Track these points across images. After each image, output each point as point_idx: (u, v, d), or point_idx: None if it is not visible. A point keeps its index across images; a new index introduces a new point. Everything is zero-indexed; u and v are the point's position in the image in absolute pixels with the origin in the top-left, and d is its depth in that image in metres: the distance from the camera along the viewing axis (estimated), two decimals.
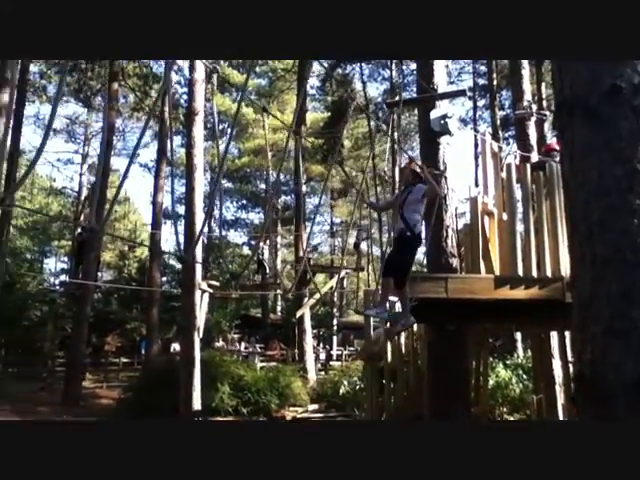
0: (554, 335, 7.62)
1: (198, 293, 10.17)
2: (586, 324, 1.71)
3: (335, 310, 25.99)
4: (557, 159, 6.51)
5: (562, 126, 1.86)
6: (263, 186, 35.59)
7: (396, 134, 19.95)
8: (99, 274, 19.97)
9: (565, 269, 5.53)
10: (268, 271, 19.76)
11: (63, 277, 30.78)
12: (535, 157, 8.58)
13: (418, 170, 5.52)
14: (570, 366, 7.06)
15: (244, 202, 36.26)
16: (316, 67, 27.68)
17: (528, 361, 10.72)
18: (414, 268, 5.63)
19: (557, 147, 6.94)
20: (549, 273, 5.65)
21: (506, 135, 21.74)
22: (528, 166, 6.35)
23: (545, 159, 6.82)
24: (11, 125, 14.19)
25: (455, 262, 6.77)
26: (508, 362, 11.30)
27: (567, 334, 7.35)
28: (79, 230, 17.41)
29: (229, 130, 34.26)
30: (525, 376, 10.28)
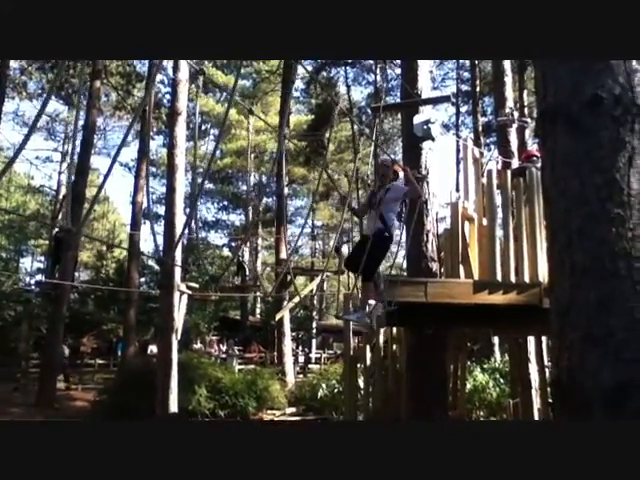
0: (531, 340, 7.70)
1: (177, 295, 10.07)
2: (564, 331, 1.71)
3: (315, 313, 25.97)
4: (538, 165, 6.58)
5: (544, 134, 1.87)
6: (244, 187, 35.51)
7: (379, 138, 20.05)
8: (76, 274, 19.66)
9: (543, 275, 5.58)
10: (248, 273, 19.70)
11: (39, 277, 30.34)
12: (516, 163, 8.69)
13: (401, 171, 5.56)
14: (547, 371, 7.14)
15: (225, 203, 36.13)
16: (301, 70, 27.75)
17: (505, 365, 10.82)
18: (394, 272, 5.67)
19: (537, 153, 7.01)
20: (527, 279, 5.70)
21: (487, 141, 21.96)
22: (509, 172, 6.41)
23: (525, 165, 6.88)
24: None
25: (435, 266, 6.81)
26: (485, 366, 11.39)
27: (544, 339, 7.44)
28: (57, 229, 17.17)
29: (212, 131, 34.21)
30: (502, 380, 10.37)
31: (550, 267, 1.93)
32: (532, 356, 7.61)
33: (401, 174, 5.51)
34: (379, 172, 5.65)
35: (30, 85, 26.06)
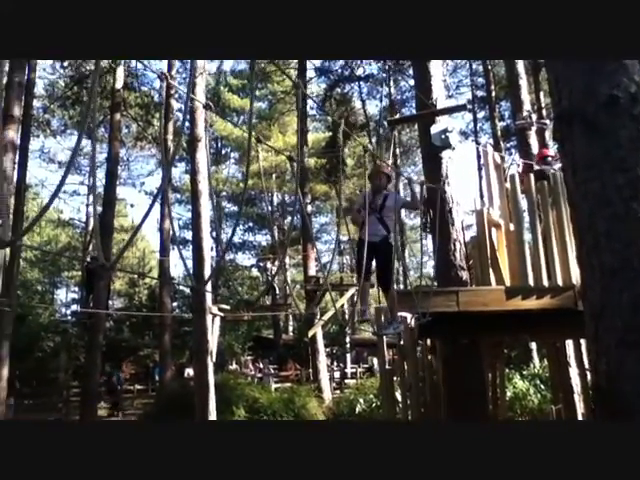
0: (569, 343, 7.57)
1: (209, 317, 10.19)
2: (599, 335, 1.72)
3: (347, 328, 25.90)
4: (555, 166, 6.54)
5: (562, 138, 1.89)
6: (269, 208, 35.76)
7: (398, 150, 20.08)
8: (110, 302, 19.99)
9: (576, 277, 5.52)
10: (278, 292, 19.77)
11: (74, 307, 30.89)
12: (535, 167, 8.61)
13: (389, 173, 5.62)
14: (588, 374, 7.01)
15: (250, 224, 36.39)
16: (315, 88, 28.01)
17: (545, 371, 10.63)
18: (423, 282, 5.69)
19: (551, 153, 6.97)
20: (560, 282, 5.63)
21: (508, 145, 21.78)
22: (532, 175, 6.37)
23: (545, 167, 6.82)
24: (17, 160, 14.38)
25: (465, 275, 6.77)
26: (525, 372, 11.21)
27: (582, 342, 7.32)
28: (88, 259, 17.50)
29: (232, 154, 34.64)
30: (543, 386, 10.19)
31: (580, 270, 1.94)
32: (572, 360, 7.49)
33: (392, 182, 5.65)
34: (377, 178, 5.59)
35: (53, 122, 26.80)
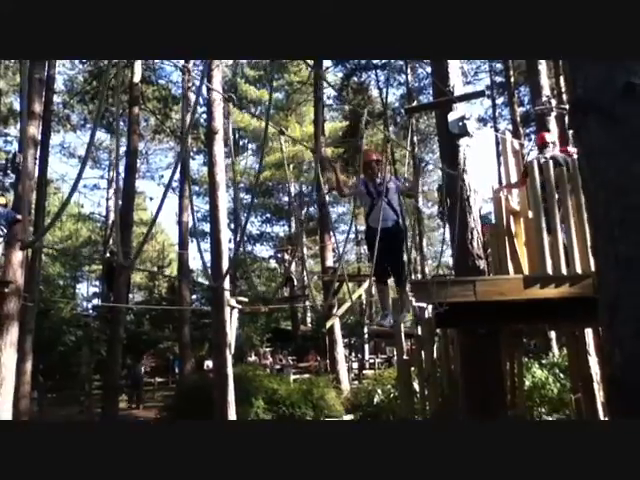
0: (589, 332, 7.47)
1: (228, 310, 10.25)
2: (614, 326, 1.68)
3: (365, 318, 25.89)
4: (548, 155, 6.42)
5: (577, 126, 1.84)
6: (286, 199, 35.81)
7: (415, 138, 19.91)
8: (130, 296, 20.22)
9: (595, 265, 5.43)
10: (296, 283, 19.82)
11: (95, 301, 31.33)
12: (557, 151, 8.45)
13: (380, 157, 5.63)
14: None
15: (268, 216, 36.51)
16: (332, 77, 27.88)
17: (564, 360, 10.52)
18: (441, 272, 5.64)
19: (549, 139, 6.83)
20: (579, 270, 5.54)
21: (527, 131, 21.48)
22: (550, 162, 6.26)
23: (554, 155, 6.63)
24: (38, 155, 14.55)
25: (482, 264, 6.70)
26: (544, 362, 11.10)
27: (601, 330, 7.21)
28: (108, 254, 17.72)
29: (249, 145, 34.73)
30: (562, 375, 10.08)
31: (595, 260, 1.90)
32: (591, 349, 7.38)
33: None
34: (370, 167, 5.56)
35: (73, 117, 27.09)
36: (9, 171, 12.31)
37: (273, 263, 33.27)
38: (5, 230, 9.91)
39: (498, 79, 25.03)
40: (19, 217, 10.07)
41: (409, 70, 24.84)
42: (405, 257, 5.46)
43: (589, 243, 5.51)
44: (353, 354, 25.16)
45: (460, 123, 6.92)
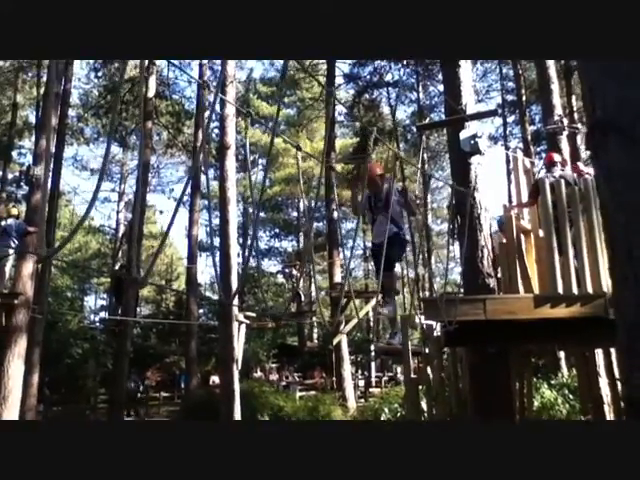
0: (599, 352, 7.38)
1: (235, 325, 10.22)
2: (633, 348, 1.65)
3: (372, 335, 25.75)
4: (555, 174, 6.39)
5: (596, 147, 1.83)
6: (295, 214, 35.89)
7: (426, 155, 19.94)
8: (137, 309, 20.24)
9: (607, 285, 5.37)
10: (303, 299, 19.77)
11: (103, 314, 31.40)
12: (568, 169, 8.42)
13: (382, 172, 5.68)
14: (618, 385, 6.81)
15: (277, 231, 36.59)
16: (343, 94, 28.05)
17: (573, 380, 10.39)
18: (449, 289, 5.60)
19: (557, 159, 6.79)
20: (590, 290, 5.48)
21: (538, 150, 21.46)
22: (562, 181, 6.23)
23: (563, 174, 6.59)
24: (51, 167, 14.69)
25: (492, 282, 6.65)
26: (553, 382, 10.96)
27: (613, 351, 7.12)
28: (118, 267, 17.78)
29: (260, 161, 34.93)
30: (571, 396, 9.94)
31: (613, 282, 1.87)
32: (601, 370, 7.29)
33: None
34: (374, 183, 5.58)
35: (86, 130, 27.40)
36: (23, 183, 12.43)
37: (280, 278, 33.28)
38: (17, 242, 9.98)
39: (509, 97, 25.07)
40: (30, 229, 10.15)
41: (420, 88, 24.96)
42: (397, 262, 5.45)
43: (601, 263, 5.47)
44: (359, 371, 24.99)
45: (472, 141, 6.91)
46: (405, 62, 23.39)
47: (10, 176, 23.58)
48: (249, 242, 32.43)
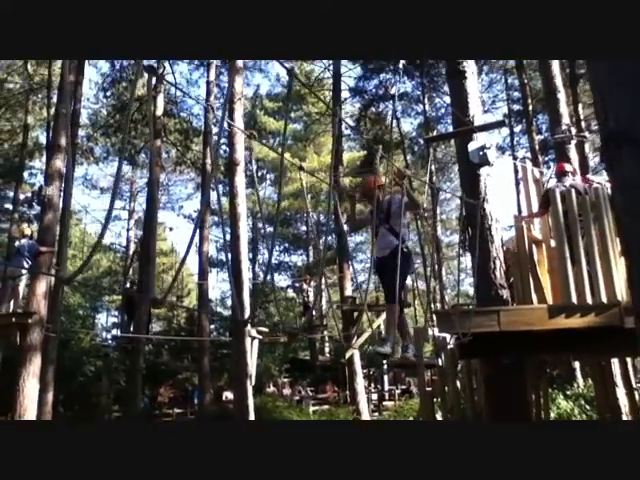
0: (615, 362, 7.32)
1: (248, 340, 10.24)
2: None
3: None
4: (567, 183, 6.37)
5: (610, 158, 1.85)
6: (304, 228, 35.95)
7: (433, 167, 19.97)
8: (150, 326, 20.29)
9: (621, 294, 5.35)
10: (314, 313, 19.73)
11: (115, 331, 31.48)
12: (578, 179, 8.40)
13: (382, 182, 5.49)
14: (636, 394, 6.75)
15: (286, 245, 36.65)
16: (349, 108, 28.20)
17: (589, 390, 10.30)
18: (460, 301, 5.53)
19: (568, 168, 6.78)
20: (604, 299, 5.46)
21: (546, 159, 21.43)
22: (573, 191, 6.23)
23: (573, 184, 6.57)
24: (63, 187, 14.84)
25: (505, 294, 6.64)
26: (568, 392, 10.86)
27: (629, 361, 7.07)
28: (129, 285, 17.85)
29: (268, 176, 35.13)
30: (588, 406, 9.86)
31: (631, 292, 1.89)
32: (618, 379, 7.23)
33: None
34: (373, 194, 5.36)
35: (96, 150, 27.69)
36: (35, 203, 12.58)
37: (291, 292, 33.27)
38: (30, 262, 10.08)
39: (515, 107, 25.11)
40: (42, 249, 10.26)
41: (426, 100, 25.06)
42: (406, 281, 5.19)
43: (614, 272, 5.45)
44: (372, 385, 24.84)
45: (480, 152, 6.93)
46: (410, 74, 23.52)
47: (22, 196, 23.85)
48: (263, 257, 32.51)
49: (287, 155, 28.70)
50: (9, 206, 27.08)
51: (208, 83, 21.23)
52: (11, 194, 26.08)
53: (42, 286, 10.60)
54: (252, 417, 9.70)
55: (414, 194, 5.22)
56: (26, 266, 10.04)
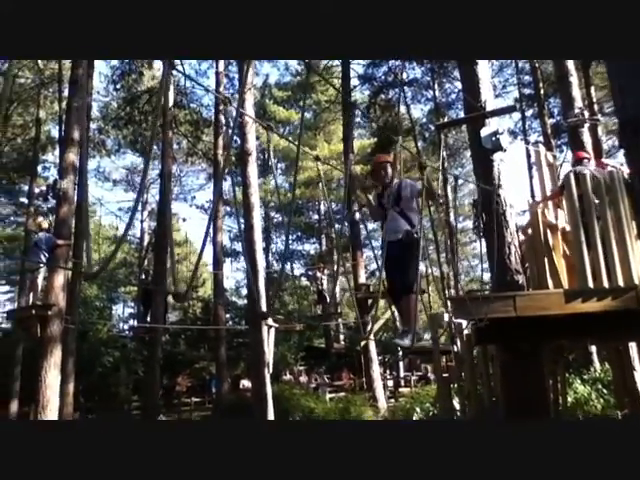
0: (632, 346, 7.31)
1: (265, 329, 10.34)
2: None
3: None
4: (591, 167, 6.35)
5: (628, 145, 1.87)
6: (316, 217, 35.99)
7: (444, 153, 19.87)
8: (167, 316, 20.50)
9: (638, 276, 5.34)
10: (328, 301, 19.79)
11: (132, 322, 31.80)
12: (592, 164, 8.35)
13: (392, 160, 5.32)
14: None
15: (298, 234, 36.74)
16: (359, 95, 28.07)
17: (607, 374, 10.28)
18: (475, 286, 5.51)
19: (586, 155, 6.75)
20: (621, 282, 5.45)
21: (558, 143, 21.24)
22: (588, 175, 6.20)
23: (580, 168, 6.53)
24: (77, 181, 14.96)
25: (521, 279, 6.64)
26: (585, 377, 10.85)
27: None
28: (143, 276, 18.01)
29: (279, 165, 35.15)
30: (605, 390, 9.84)
31: None
32: (636, 363, 7.23)
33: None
34: (380, 171, 5.23)
35: (107, 142, 27.86)
36: (50, 197, 12.72)
37: (304, 281, 33.36)
38: (47, 254, 10.22)
39: (526, 91, 24.86)
40: (59, 242, 10.39)
41: (436, 85, 24.88)
42: (420, 268, 5.00)
43: (631, 255, 5.44)
44: (387, 371, 24.93)
45: (493, 138, 6.91)
46: (420, 61, 23.34)
47: (37, 190, 24.08)
48: (276, 247, 32.57)
49: (296, 142, 28.69)
50: (24, 200, 27.35)
51: (217, 74, 21.23)
52: (26, 188, 26.31)
53: (60, 279, 10.75)
54: (270, 405, 9.82)
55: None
56: (44, 259, 10.17)
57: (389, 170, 5.20)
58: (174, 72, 18.99)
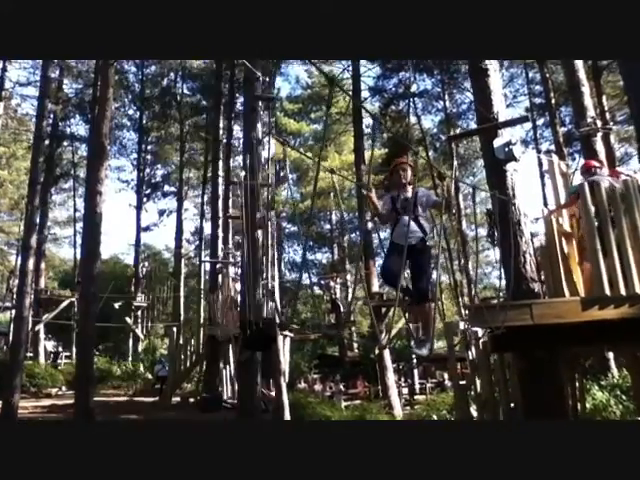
0: None
1: (280, 338, 10.45)
2: None
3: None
4: (601, 175, 6.39)
5: None
6: (328, 227, 36.12)
7: (456, 162, 19.97)
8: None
9: None
10: (342, 310, 19.86)
11: None
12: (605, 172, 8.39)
13: (412, 164, 5.31)
14: None
15: (311, 243, 36.84)
16: (369, 107, 28.23)
17: (625, 380, 10.25)
18: (489, 294, 5.55)
19: (596, 164, 6.79)
20: (638, 290, 5.50)
21: (570, 151, 21.25)
22: (602, 184, 6.26)
23: (593, 179, 6.54)
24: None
25: (537, 287, 6.70)
26: (603, 383, 10.83)
27: None
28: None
29: (290, 175, 35.40)
30: (624, 397, 9.82)
31: None
32: None
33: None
34: (400, 172, 5.21)
35: None
36: None
37: (317, 290, 33.38)
38: None
39: (537, 100, 24.91)
40: None
41: (446, 96, 25.02)
42: (433, 276, 5.06)
43: None
44: (402, 379, 24.84)
45: (506, 149, 7.01)
46: (430, 72, 23.50)
47: None
48: (288, 256, 32.64)
49: (310, 155, 28.89)
50: None
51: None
52: None
53: None
54: (287, 413, 9.91)
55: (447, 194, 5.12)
56: None
57: (409, 172, 5.24)
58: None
